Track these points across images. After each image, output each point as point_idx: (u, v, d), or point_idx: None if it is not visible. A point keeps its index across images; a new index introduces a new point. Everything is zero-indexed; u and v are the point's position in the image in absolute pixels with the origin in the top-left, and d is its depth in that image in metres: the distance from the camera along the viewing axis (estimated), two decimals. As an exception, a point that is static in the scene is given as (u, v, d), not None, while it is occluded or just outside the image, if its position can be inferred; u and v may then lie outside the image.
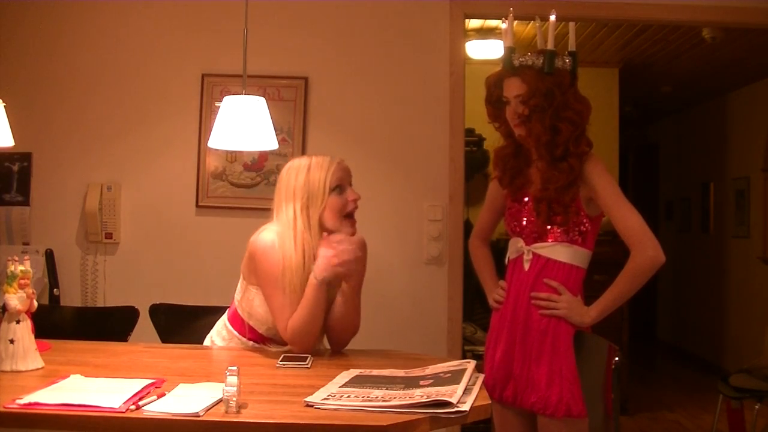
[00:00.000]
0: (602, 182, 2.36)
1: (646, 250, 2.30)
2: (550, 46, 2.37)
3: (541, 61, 2.35)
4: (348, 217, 2.40)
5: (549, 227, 2.38)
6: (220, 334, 2.56)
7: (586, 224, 2.39)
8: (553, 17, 2.43)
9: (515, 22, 2.56)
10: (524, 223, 2.45)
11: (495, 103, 2.49)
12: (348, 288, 2.36)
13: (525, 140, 2.42)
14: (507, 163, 2.50)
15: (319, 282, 2.27)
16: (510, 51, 2.39)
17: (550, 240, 2.39)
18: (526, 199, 2.45)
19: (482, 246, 2.75)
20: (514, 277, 2.46)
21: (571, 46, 2.44)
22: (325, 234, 2.33)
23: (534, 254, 2.41)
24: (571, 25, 2.48)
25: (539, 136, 2.35)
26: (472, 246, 2.77)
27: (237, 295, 2.49)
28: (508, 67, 2.39)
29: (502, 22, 2.61)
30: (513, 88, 2.39)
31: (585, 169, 2.36)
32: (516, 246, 2.48)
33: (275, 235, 2.33)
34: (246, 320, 2.46)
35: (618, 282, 2.36)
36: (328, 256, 2.27)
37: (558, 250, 2.38)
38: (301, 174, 2.34)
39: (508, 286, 2.48)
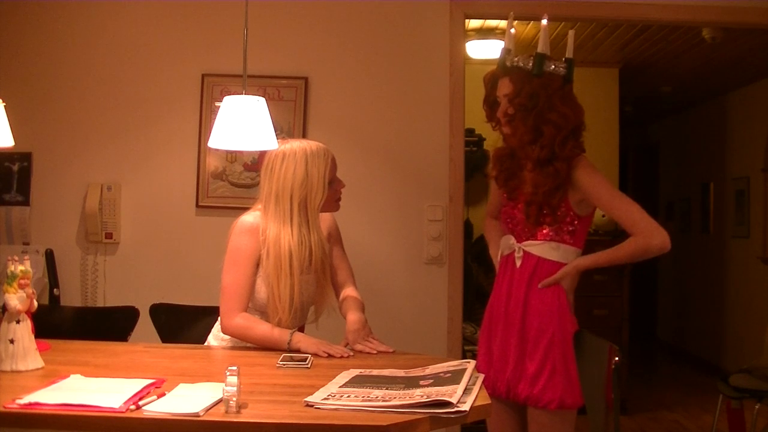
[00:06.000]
0: (593, 183, 2.41)
1: (653, 239, 2.36)
2: (540, 49, 2.43)
3: (531, 63, 2.41)
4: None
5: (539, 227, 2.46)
6: (214, 334, 2.58)
7: (576, 224, 2.45)
8: (545, 21, 2.49)
9: (515, 22, 2.58)
10: (516, 222, 2.52)
11: (492, 104, 2.56)
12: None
13: (509, 139, 2.49)
14: (503, 164, 2.56)
15: (288, 344, 2.33)
16: (506, 52, 2.47)
17: (540, 238, 2.45)
18: (520, 199, 2.51)
19: (493, 221, 2.80)
20: (507, 273, 2.53)
21: (569, 53, 2.48)
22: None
23: (525, 252, 2.48)
24: (571, 32, 2.53)
25: (522, 135, 2.41)
26: (485, 223, 2.85)
27: None
28: (501, 67, 2.48)
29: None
30: (503, 88, 2.48)
31: (574, 174, 2.41)
32: (508, 243, 2.55)
33: (257, 220, 2.41)
34: None
35: (619, 251, 2.42)
36: (321, 348, 2.32)
37: (547, 249, 2.45)
38: (300, 167, 2.40)
39: (501, 281, 2.54)
